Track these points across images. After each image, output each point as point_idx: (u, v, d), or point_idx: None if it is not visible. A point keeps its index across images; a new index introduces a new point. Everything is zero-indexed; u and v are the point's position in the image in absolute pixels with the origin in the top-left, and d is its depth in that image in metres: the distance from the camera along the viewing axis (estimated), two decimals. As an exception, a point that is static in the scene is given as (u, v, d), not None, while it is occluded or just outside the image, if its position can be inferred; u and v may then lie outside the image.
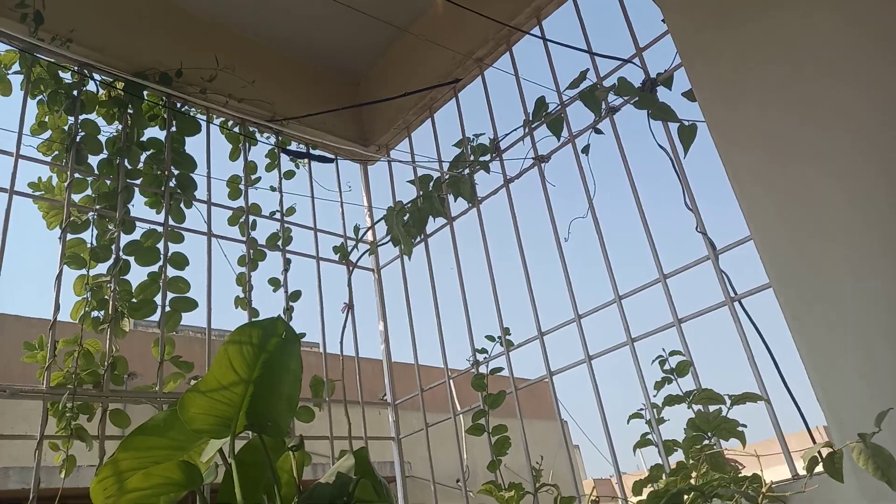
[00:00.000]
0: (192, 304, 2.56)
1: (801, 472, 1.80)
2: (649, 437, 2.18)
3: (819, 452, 1.14)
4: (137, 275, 2.51)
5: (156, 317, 2.51)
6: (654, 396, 2.12)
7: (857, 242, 1.63)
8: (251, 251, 2.84)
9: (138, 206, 2.61)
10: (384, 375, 3.40)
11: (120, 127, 2.60)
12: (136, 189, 2.60)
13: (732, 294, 2.00)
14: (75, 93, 2.54)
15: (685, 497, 1.28)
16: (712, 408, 1.76)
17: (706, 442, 1.67)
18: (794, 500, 1.59)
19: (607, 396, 2.37)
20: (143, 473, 1.78)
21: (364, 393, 3.11)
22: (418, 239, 3.10)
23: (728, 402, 1.66)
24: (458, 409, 2.95)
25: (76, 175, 2.45)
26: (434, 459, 2.99)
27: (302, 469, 2.45)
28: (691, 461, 1.56)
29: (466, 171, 2.90)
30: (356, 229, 3.16)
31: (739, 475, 1.47)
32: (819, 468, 1.78)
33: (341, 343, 3.09)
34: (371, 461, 2.39)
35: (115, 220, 2.46)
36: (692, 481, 1.43)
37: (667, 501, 1.27)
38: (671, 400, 2.00)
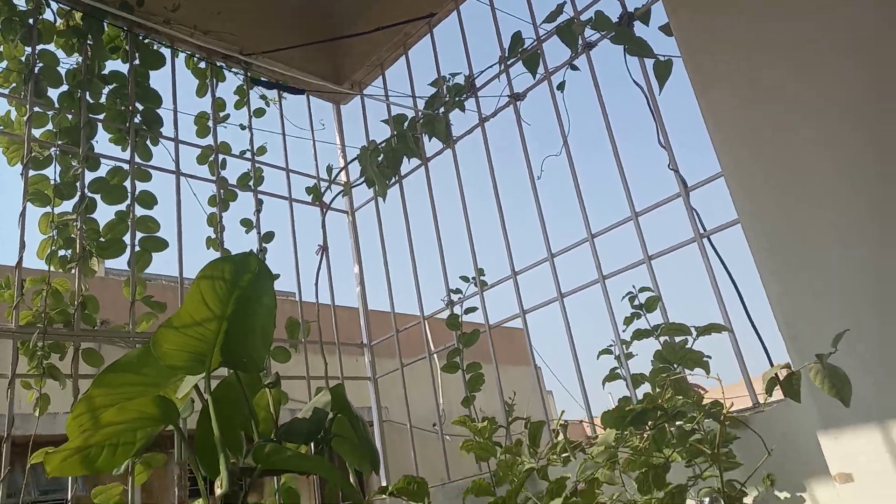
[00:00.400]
0: (162, 244, 2.52)
1: (763, 401, 1.88)
2: (618, 371, 2.25)
3: (777, 375, 1.19)
4: (104, 214, 2.46)
5: (125, 259, 2.47)
6: (624, 332, 2.16)
7: (844, 209, 1.62)
8: (221, 191, 2.79)
9: (102, 142, 2.53)
10: (360, 320, 3.42)
11: (80, 59, 2.49)
12: (100, 125, 2.51)
13: (701, 230, 2.03)
14: (31, 21, 2.42)
15: (649, 416, 1.33)
16: (679, 340, 1.81)
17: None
18: (754, 423, 1.66)
19: (579, 340, 2.43)
20: (118, 408, 1.79)
21: (340, 337, 3.13)
22: (393, 180, 3.07)
23: (694, 333, 1.71)
24: (433, 348, 2.99)
25: (36, 109, 2.36)
26: (410, 403, 3.04)
27: (279, 406, 2.48)
28: (657, 390, 1.62)
29: (441, 110, 2.85)
30: (329, 169, 3.12)
31: (702, 400, 1.52)
32: (779, 395, 1.85)
33: (316, 285, 3.09)
34: (347, 399, 2.43)
35: (78, 157, 2.39)
36: (657, 408, 1.48)
37: (632, 419, 1.32)
38: (639, 334, 2.05)
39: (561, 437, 1.61)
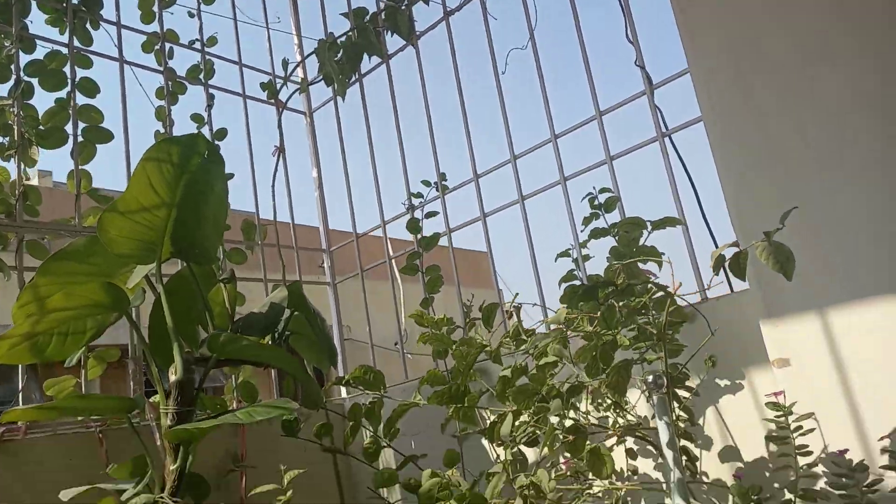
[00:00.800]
0: (107, 136, 2.40)
1: (711, 296, 1.94)
2: (575, 273, 2.28)
3: (724, 254, 1.21)
4: (44, 101, 2.32)
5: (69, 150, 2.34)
6: (582, 231, 2.18)
7: (816, 101, 1.58)
8: (169, 83, 2.64)
9: (38, 23, 2.35)
10: (319, 227, 3.38)
11: (5, -74, 2.27)
12: (34, 2, 2.32)
13: (664, 129, 2.02)
14: None
15: (600, 291, 1.36)
16: (634, 235, 1.83)
17: (626, 265, 1.75)
18: (700, 316, 1.72)
19: (540, 253, 2.45)
20: (65, 293, 1.74)
21: (299, 252, 3.10)
22: (352, 78, 2.96)
23: (649, 227, 1.73)
24: (392, 253, 2.99)
25: (-42, -20, 2.16)
26: (373, 324, 3.05)
27: (235, 303, 2.45)
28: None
29: (405, 2, 2.72)
30: (284, 64, 2.97)
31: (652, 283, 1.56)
32: (725, 290, 1.91)
33: (273, 187, 3.02)
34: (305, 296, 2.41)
35: (11, 36, 2.21)
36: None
37: (583, 293, 1.35)
38: (597, 233, 2.06)
39: (514, 318, 1.64)
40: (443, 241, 2.81)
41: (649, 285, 1.47)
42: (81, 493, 1.77)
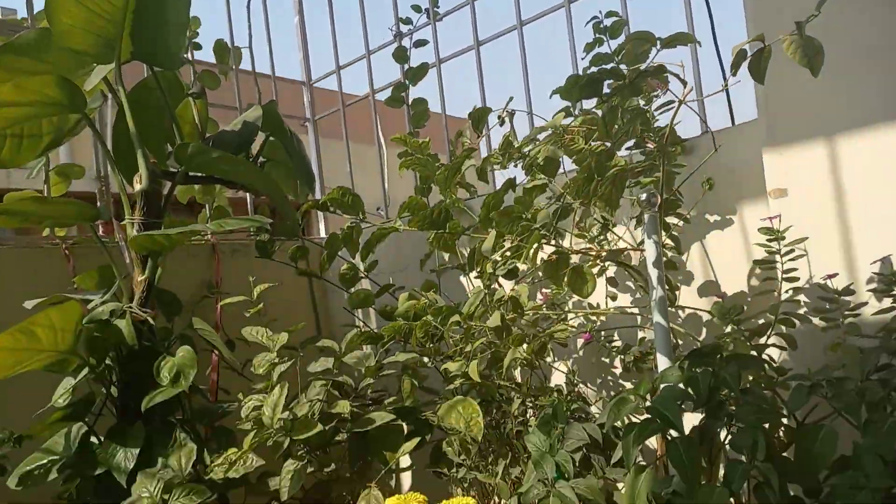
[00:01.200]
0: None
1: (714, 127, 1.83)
2: (570, 109, 2.14)
3: (747, 50, 1.08)
4: None
5: None
6: (583, 59, 2.01)
7: None
8: None
9: None
10: (299, 54, 3.15)
11: None
12: None
13: (684, -60, 1.81)
14: None
15: (605, 84, 1.25)
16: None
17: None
18: (700, 148, 1.63)
19: (536, 96, 2.28)
20: (14, 85, 1.58)
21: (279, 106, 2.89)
22: None
23: (658, 44, 1.57)
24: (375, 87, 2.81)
25: None
26: (356, 188, 2.91)
27: (206, 122, 2.30)
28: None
29: None
30: None
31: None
32: (727, 122, 1.80)
33: (248, 7, 2.76)
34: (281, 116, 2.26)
35: None
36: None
37: (585, 83, 1.24)
38: (598, 59, 1.90)
39: (507, 126, 1.52)
40: (434, 110, 2.61)
41: (654, 94, 1.35)
42: (46, 302, 1.73)
